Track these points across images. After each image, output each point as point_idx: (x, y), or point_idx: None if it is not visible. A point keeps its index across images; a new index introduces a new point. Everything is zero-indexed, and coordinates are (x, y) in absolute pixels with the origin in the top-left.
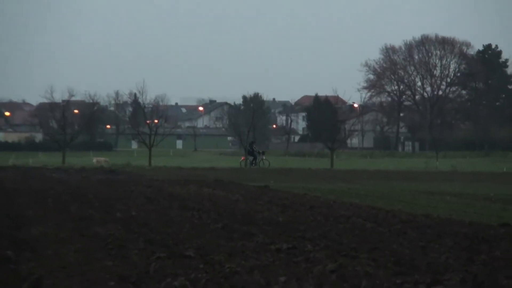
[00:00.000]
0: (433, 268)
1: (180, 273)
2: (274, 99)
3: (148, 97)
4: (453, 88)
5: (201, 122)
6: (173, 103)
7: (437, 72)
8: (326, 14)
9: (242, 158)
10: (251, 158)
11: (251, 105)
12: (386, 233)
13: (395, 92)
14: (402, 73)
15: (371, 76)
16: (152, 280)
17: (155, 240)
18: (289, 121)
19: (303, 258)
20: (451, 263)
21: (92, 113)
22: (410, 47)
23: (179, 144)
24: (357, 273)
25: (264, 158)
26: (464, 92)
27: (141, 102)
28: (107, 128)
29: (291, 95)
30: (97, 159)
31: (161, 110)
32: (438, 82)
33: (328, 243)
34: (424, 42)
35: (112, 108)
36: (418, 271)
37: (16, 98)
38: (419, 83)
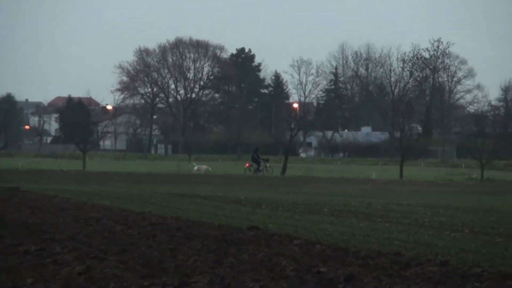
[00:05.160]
0: (181, 271)
1: None
2: (27, 99)
3: None
4: (207, 91)
5: None
6: None
7: (190, 75)
8: (80, 14)
9: (247, 165)
10: (255, 165)
11: (3, 105)
12: (136, 235)
13: (148, 94)
14: (156, 76)
15: (125, 78)
16: None
17: None
18: (42, 122)
19: (51, 260)
20: (199, 266)
21: None
22: (164, 50)
23: None
24: (105, 275)
25: (268, 165)
26: (217, 95)
27: None
28: None
29: (44, 96)
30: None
31: None
32: (192, 85)
33: (77, 245)
34: (178, 45)
35: None
36: (166, 274)
37: None
38: (172, 86)
